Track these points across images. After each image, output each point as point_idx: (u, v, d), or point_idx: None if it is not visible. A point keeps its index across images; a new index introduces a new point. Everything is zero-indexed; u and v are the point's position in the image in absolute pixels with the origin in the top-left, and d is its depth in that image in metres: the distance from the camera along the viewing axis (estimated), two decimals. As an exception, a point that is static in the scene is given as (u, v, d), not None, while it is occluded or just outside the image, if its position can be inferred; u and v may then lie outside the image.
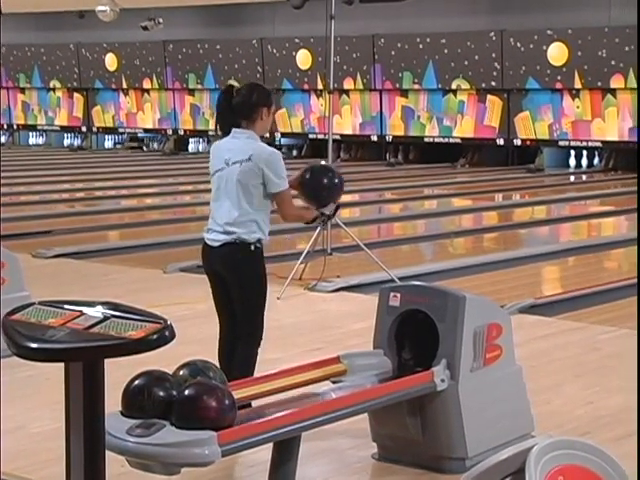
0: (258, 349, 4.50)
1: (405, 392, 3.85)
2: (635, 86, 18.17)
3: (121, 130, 25.13)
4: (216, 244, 4.47)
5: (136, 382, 3.32)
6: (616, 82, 18.33)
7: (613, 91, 18.54)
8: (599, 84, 18.55)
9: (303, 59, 21.83)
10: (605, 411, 4.86)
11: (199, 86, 23.73)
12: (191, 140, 24.48)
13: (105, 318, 2.63)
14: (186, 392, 3.27)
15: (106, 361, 2.59)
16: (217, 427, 3.20)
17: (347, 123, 21.79)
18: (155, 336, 2.55)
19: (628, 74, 18.12)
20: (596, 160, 19.74)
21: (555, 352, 6.01)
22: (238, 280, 4.44)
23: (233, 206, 4.42)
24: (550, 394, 5.13)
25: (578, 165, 19.94)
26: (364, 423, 4.16)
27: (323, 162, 5.19)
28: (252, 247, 4.42)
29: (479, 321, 4.00)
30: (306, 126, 22.48)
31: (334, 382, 3.99)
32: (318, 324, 6.82)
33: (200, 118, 24.10)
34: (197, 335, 6.31)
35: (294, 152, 23.18)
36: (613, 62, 18.22)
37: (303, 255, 8.08)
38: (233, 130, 4.45)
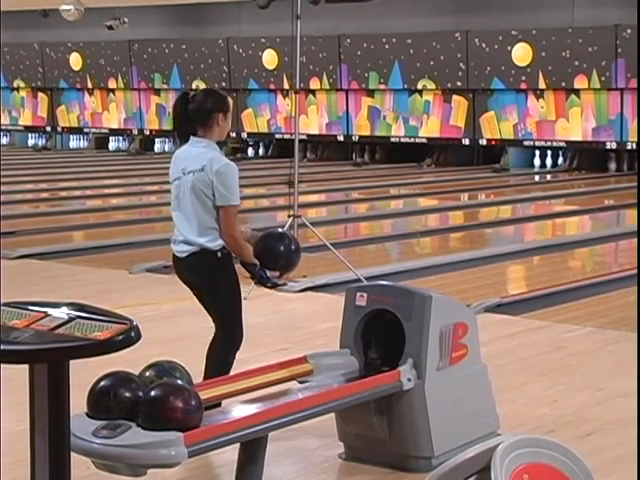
0: (235, 354, 4.46)
1: (372, 392, 3.85)
2: (599, 86, 18.33)
3: (86, 130, 24.97)
4: (183, 255, 4.46)
5: (102, 383, 3.30)
6: (580, 83, 18.48)
7: (577, 91, 18.69)
8: (563, 84, 18.70)
9: (269, 59, 21.81)
10: (569, 409, 4.90)
11: (165, 86, 23.63)
12: (157, 140, 24.38)
13: (70, 319, 2.61)
14: (152, 393, 3.26)
15: (71, 362, 2.58)
16: (183, 428, 3.19)
17: (313, 123, 21.80)
18: (121, 337, 2.54)
19: (592, 74, 18.27)
20: (560, 160, 19.89)
21: (520, 351, 6.05)
22: (208, 288, 4.43)
23: (191, 215, 4.40)
24: (515, 393, 5.17)
25: (543, 165, 20.09)
26: (331, 423, 4.16)
27: (280, 229, 4.94)
28: (218, 254, 4.37)
29: (445, 320, 4.01)
30: (272, 126, 22.47)
31: (301, 382, 3.99)
32: (285, 324, 6.82)
33: (166, 118, 23.99)
34: (163, 336, 6.29)
35: (260, 152, 23.16)
36: (577, 62, 18.37)
37: (270, 255, 8.04)
38: (191, 138, 4.43)
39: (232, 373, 4.21)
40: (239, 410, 3.56)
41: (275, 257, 4.47)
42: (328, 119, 21.82)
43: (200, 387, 3.66)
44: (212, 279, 4.39)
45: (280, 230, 4.92)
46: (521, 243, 11.03)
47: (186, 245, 4.43)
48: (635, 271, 8.66)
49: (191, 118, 4.41)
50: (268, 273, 4.44)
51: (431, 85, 20.17)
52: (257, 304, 7.42)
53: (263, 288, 7.13)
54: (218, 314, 4.45)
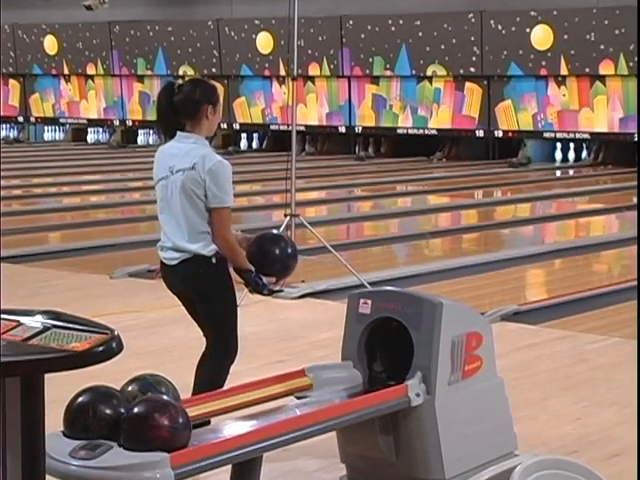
0: (229, 368, 4.48)
1: (376, 408, 3.86)
2: (626, 72, 18.34)
3: (62, 121, 25.00)
4: (173, 262, 4.44)
5: (80, 399, 3.31)
6: (605, 68, 18.50)
7: (602, 78, 18.71)
8: (587, 70, 18.71)
9: (264, 42, 21.83)
10: (594, 428, 4.91)
11: (149, 72, 23.66)
12: (140, 132, 24.42)
13: (45, 329, 2.61)
14: (135, 409, 3.26)
15: (47, 376, 2.58)
16: (170, 448, 3.19)
17: (312, 113, 21.82)
18: (101, 348, 2.54)
19: (618, 59, 18.29)
20: (584, 153, 19.91)
21: (540, 363, 6.05)
22: (202, 297, 4.43)
23: (181, 219, 4.38)
24: (535, 409, 5.17)
25: (565, 159, 20.11)
26: (332, 442, 4.17)
27: (275, 231, 4.94)
28: (212, 260, 4.37)
29: (457, 330, 4.02)
30: (267, 116, 22.49)
31: (299, 397, 4.00)
32: (281, 334, 6.83)
33: (150, 107, 24.01)
34: (147, 347, 6.29)
35: (254, 144, 23.18)
36: (602, 46, 18.39)
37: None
38: (178, 133, 4.39)
39: (223, 388, 4.21)
40: (231, 428, 3.56)
41: (271, 261, 4.47)
42: (328, 109, 21.84)
43: (188, 403, 3.66)
44: (206, 287, 4.39)
45: (275, 232, 4.92)
46: (541, 245, 11.04)
47: (176, 252, 4.42)
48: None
49: (177, 111, 4.37)
50: (264, 279, 4.44)
51: (442, 71, 20.18)
52: (251, 312, 7.42)
53: (258, 295, 7.14)
54: (212, 324, 4.46)
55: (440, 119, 20.51)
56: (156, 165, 4.50)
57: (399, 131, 20.98)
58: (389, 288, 4.33)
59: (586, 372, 5.88)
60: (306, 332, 6.84)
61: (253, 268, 4.42)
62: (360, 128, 21.36)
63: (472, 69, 19.80)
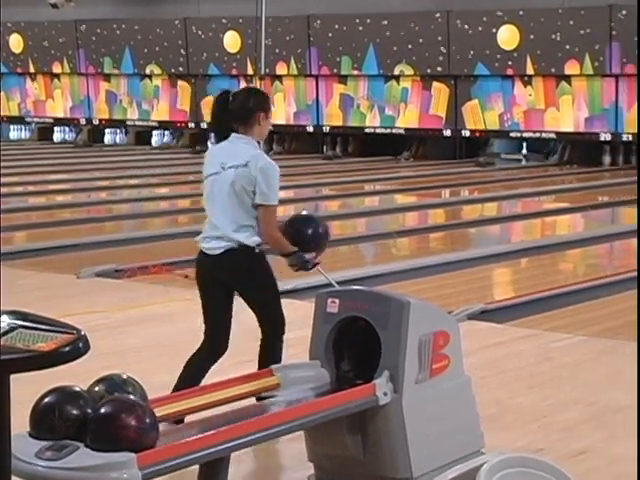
0: (282, 342, 4.90)
1: (344, 407, 3.86)
2: (591, 72, 18.47)
3: (28, 119, 24.83)
4: (217, 251, 4.71)
5: (46, 399, 3.29)
6: (571, 68, 18.62)
7: (568, 78, 18.83)
8: (553, 70, 18.82)
9: (231, 41, 21.80)
10: (559, 425, 4.94)
11: (115, 71, 23.55)
12: (107, 131, 24.30)
13: (11, 329, 2.60)
14: (102, 410, 3.25)
15: (12, 377, 2.57)
16: (137, 448, 3.18)
17: (280, 112, 21.79)
18: (67, 348, 2.53)
19: (584, 59, 18.41)
20: (557, 154, 20.03)
21: (506, 362, 6.09)
22: (246, 285, 4.79)
23: (228, 211, 4.69)
24: (501, 407, 5.20)
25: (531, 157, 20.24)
26: (299, 442, 4.17)
27: (305, 212, 5.30)
28: (255, 250, 4.70)
29: (425, 329, 4.03)
30: (235, 115, 22.40)
31: (266, 397, 3.99)
32: (248, 333, 6.79)
33: (117, 106, 23.92)
34: (114, 347, 6.27)
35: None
36: (568, 46, 18.50)
37: (232, 257, 8.05)
38: (232, 135, 4.74)
39: (190, 388, 4.21)
40: (198, 428, 3.56)
41: (306, 241, 4.89)
42: (296, 108, 21.84)
43: (155, 403, 3.65)
44: (250, 277, 4.76)
45: (305, 213, 5.37)
46: (507, 244, 11.10)
47: (221, 241, 4.70)
48: (632, 274, 8.75)
49: (232, 117, 4.74)
50: (306, 256, 4.86)
51: (409, 71, 20.24)
52: (218, 311, 7.40)
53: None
54: (262, 310, 4.89)
55: (407, 118, 20.56)
56: (207, 161, 4.84)
57: (367, 130, 21.01)
58: (357, 287, 4.33)
59: (551, 370, 5.92)
60: (274, 331, 6.82)
61: (296, 249, 4.81)
62: (328, 127, 21.38)
63: (439, 69, 19.87)
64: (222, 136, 4.80)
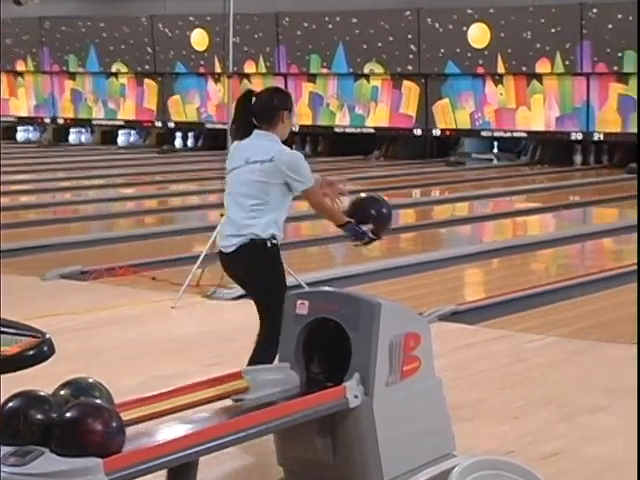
0: (275, 351, 4.63)
1: (314, 410, 3.86)
2: (562, 71, 18.58)
3: (-9, 118, 24.68)
4: (230, 249, 4.95)
5: (10, 404, 3.27)
6: (542, 67, 18.72)
7: (539, 77, 18.93)
8: (524, 69, 18.92)
9: (198, 39, 21.75)
10: (531, 427, 4.96)
11: (81, 69, 23.44)
12: (72, 130, 24.17)
13: (-26, 332, 2.58)
14: (68, 414, 3.23)
15: (-25, 381, 2.55)
16: (103, 453, 3.17)
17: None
18: (32, 352, 2.52)
19: (555, 58, 18.52)
20: (530, 154, 20.14)
21: (478, 363, 6.11)
22: (258, 285, 5.01)
23: (247, 203, 4.92)
24: (472, 409, 5.22)
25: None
26: (269, 445, 4.17)
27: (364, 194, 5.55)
28: (268, 244, 4.90)
29: (395, 330, 4.04)
30: (203, 114, 22.41)
31: (235, 400, 3.99)
32: (217, 336, 6.81)
33: (82, 105, 23.81)
34: (80, 350, 6.24)
35: (189, 143, 23.08)
36: (538, 45, 18.60)
37: (200, 258, 8.05)
38: (255, 131, 4.97)
39: (158, 391, 4.19)
40: (166, 432, 3.55)
41: (368, 219, 5.18)
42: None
43: (122, 407, 3.64)
44: (262, 275, 4.97)
45: (372, 195, 5.60)
46: (479, 244, 11.14)
47: (234, 238, 4.92)
48: (605, 274, 8.82)
49: (256, 116, 4.97)
50: (364, 227, 5.07)
51: (379, 69, 20.28)
52: (186, 314, 7.40)
53: (195, 297, 7.10)
54: (262, 307, 5.03)
55: (377, 118, 20.60)
56: (231, 156, 5.07)
57: (336, 130, 21.03)
58: (326, 289, 4.34)
59: (523, 372, 5.95)
60: (242, 334, 6.80)
61: (352, 220, 5.08)
62: (297, 127, 21.34)
63: (409, 67, 19.92)
64: (244, 134, 5.02)
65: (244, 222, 4.90)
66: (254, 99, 5.01)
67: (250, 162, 4.92)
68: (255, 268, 4.94)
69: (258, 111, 4.97)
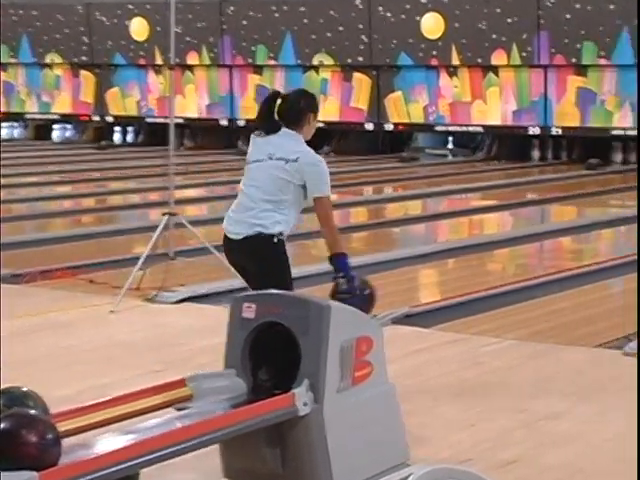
0: None
1: (262, 418, 3.86)
2: (519, 63, 18.72)
3: None
4: (239, 237, 5.22)
5: (-62, 416, 3.24)
6: (498, 58, 18.86)
7: (495, 69, 19.07)
8: (479, 61, 19.05)
9: (138, 29, 21.64)
10: (488, 434, 4.99)
11: (13, 60, 23.23)
12: (3, 125, 23.95)
13: None
14: (0, 425, 3.21)
15: None
16: (39, 466, 3.15)
17: (191, 105, 21.72)
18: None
19: (511, 49, 18.66)
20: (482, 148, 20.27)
21: (432, 368, 6.14)
22: (258, 272, 5.21)
23: (265, 197, 5.18)
24: (427, 416, 5.24)
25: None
26: (214, 456, 4.16)
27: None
28: (275, 239, 5.18)
29: (346, 334, 4.05)
30: (143, 108, 22.30)
31: (178, 409, 3.98)
32: (159, 341, 6.79)
33: (14, 98, 23.60)
34: (12, 358, 6.18)
35: (129, 138, 22.96)
36: (494, 35, 18.74)
37: (141, 260, 8.02)
38: (282, 129, 5.23)
39: (96, 401, 4.17)
40: (105, 444, 3.53)
41: (366, 286, 5.19)
42: (209, 100, 21.77)
43: (58, 418, 3.62)
44: (268, 265, 5.22)
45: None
46: (433, 244, 11.19)
47: (242, 227, 5.21)
48: (564, 274, 8.90)
49: (283, 117, 5.25)
50: (356, 282, 5.08)
51: (328, 61, 20.31)
52: (125, 318, 7.36)
53: (135, 301, 7.06)
54: None
55: (327, 111, 20.60)
56: (254, 149, 5.31)
57: (284, 124, 20.99)
58: (274, 291, 4.34)
59: (480, 376, 5.98)
60: (186, 339, 6.81)
61: (347, 253, 5.19)
62: (243, 121, 21.34)
63: (360, 58, 19.97)
64: (269, 131, 5.27)
65: (256, 214, 5.17)
66: (280, 100, 5.29)
67: (274, 158, 5.18)
68: (260, 261, 5.19)
69: (285, 112, 5.25)
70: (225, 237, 5.33)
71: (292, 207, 5.23)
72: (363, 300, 4.97)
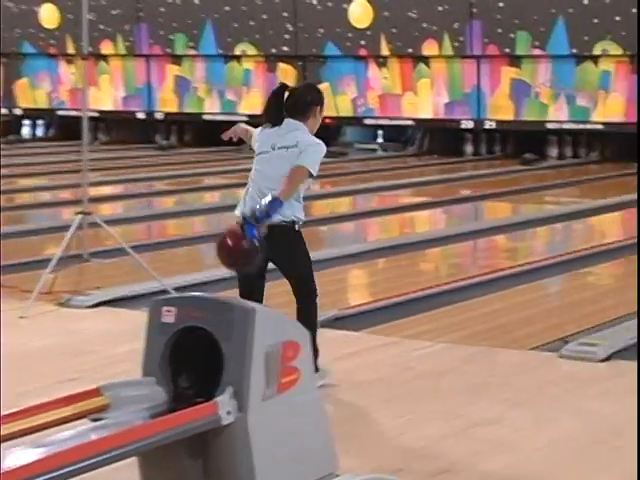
0: (316, 307, 5.99)
1: (183, 429, 3.85)
2: (451, 53, 18.87)
3: None
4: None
5: None
6: (429, 49, 19.00)
7: (426, 59, 19.21)
8: (410, 51, 19.17)
9: (48, 16, 21.46)
10: (420, 442, 5.03)
11: None
12: None
13: None
14: None
15: None
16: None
17: (106, 97, 21.58)
18: None
19: (443, 39, 18.80)
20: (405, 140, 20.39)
21: (362, 373, 6.17)
22: (288, 260, 5.84)
23: (273, 186, 5.62)
24: (356, 424, 5.27)
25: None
26: (132, 469, 4.14)
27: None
28: (296, 227, 5.74)
29: (272, 339, 4.05)
30: (54, 100, 22.11)
31: (94, 420, 3.96)
32: (73, 348, 6.74)
33: None
34: None
35: (39, 132, 22.74)
36: (425, 25, 18.87)
37: (53, 262, 7.96)
38: (286, 120, 5.70)
39: (5, 412, 4.13)
40: (12, 458, 3.50)
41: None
42: (125, 92, 21.65)
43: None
44: (291, 251, 5.81)
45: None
46: (362, 243, 11.24)
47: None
48: (498, 274, 8.99)
49: (289, 110, 5.71)
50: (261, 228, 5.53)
51: (252, 50, 20.30)
52: (37, 324, 7.29)
53: (47, 305, 7.00)
54: (296, 280, 5.97)
55: (251, 104, 20.62)
56: (260, 141, 5.80)
57: (205, 117, 20.97)
58: (196, 294, 4.33)
59: (411, 381, 6.02)
60: (102, 345, 6.77)
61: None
62: (161, 114, 21.25)
63: (285, 48, 19.99)
64: (275, 123, 5.73)
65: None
66: (287, 94, 5.74)
67: (276, 148, 5.68)
68: (284, 246, 5.74)
69: (292, 105, 5.71)
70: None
71: (303, 191, 5.76)
72: (250, 245, 5.47)
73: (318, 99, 5.83)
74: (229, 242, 5.63)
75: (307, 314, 5.86)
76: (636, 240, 9.84)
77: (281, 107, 5.74)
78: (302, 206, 5.80)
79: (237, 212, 5.83)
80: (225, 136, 6.31)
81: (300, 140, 5.67)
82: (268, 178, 5.71)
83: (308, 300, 5.97)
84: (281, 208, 5.60)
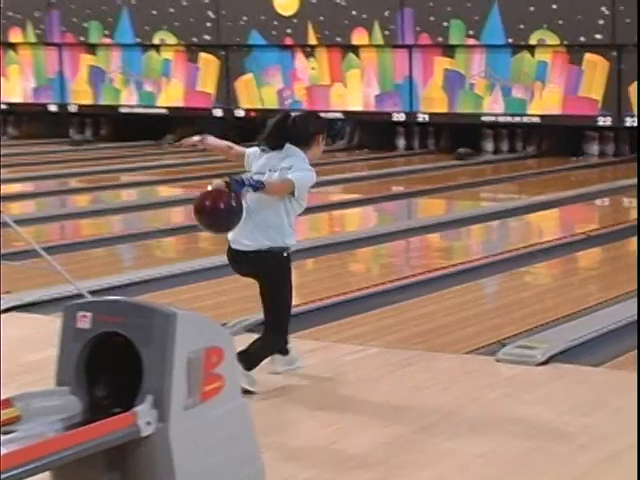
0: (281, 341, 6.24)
1: (99, 441, 3.83)
2: (381, 42, 18.94)
3: None
4: (247, 249, 5.97)
5: None
6: (358, 38, 19.06)
7: (355, 49, 19.27)
8: (338, 40, 19.21)
9: (-47, 2, 21.18)
10: (352, 451, 5.04)
11: None
12: None
13: None
14: None
15: None
16: None
17: (15, 88, 21.38)
18: None
19: (373, 27, 18.87)
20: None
21: (290, 380, 6.17)
22: (267, 285, 6.08)
23: (263, 207, 5.95)
24: (284, 434, 5.27)
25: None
26: (46, 485, 4.11)
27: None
28: (284, 253, 6.01)
29: (195, 345, 4.04)
30: (-41, 92, 21.84)
31: (4, 433, 3.92)
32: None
33: None
34: None
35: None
36: (354, 12, 18.93)
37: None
38: (287, 145, 6.03)
39: None
40: None
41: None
42: (35, 83, 21.46)
43: None
44: (276, 276, 6.04)
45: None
46: (290, 242, 11.24)
47: (252, 242, 5.95)
48: (432, 274, 9.05)
49: (292, 139, 6.03)
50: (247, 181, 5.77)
51: (171, 39, 20.23)
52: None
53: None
54: (272, 310, 6.14)
55: (170, 96, 20.55)
56: (257, 162, 6.11)
57: (122, 110, 20.85)
58: (113, 298, 4.31)
59: (342, 388, 6.04)
60: (11, 353, 6.70)
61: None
62: (75, 106, 21.10)
63: (207, 37, 19.94)
64: (275, 148, 6.06)
65: (262, 234, 5.95)
66: (290, 122, 6.05)
67: (272, 171, 5.99)
68: (271, 271, 6.01)
69: (295, 134, 6.03)
70: (230, 248, 6.06)
71: (291, 215, 6.08)
72: (236, 200, 5.72)
73: (321, 128, 6.18)
74: (214, 199, 5.79)
75: (267, 342, 6.14)
76: (636, 239, 9.93)
77: (283, 134, 6.04)
78: (293, 232, 6.10)
79: (230, 235, 6.02)
80: (186, 143, 6.69)
81: (294, 164, 5.96)
82: (264, 200, 5.96)
83: (275, 331, 6.16)
84: (259, 190, 5.79)
